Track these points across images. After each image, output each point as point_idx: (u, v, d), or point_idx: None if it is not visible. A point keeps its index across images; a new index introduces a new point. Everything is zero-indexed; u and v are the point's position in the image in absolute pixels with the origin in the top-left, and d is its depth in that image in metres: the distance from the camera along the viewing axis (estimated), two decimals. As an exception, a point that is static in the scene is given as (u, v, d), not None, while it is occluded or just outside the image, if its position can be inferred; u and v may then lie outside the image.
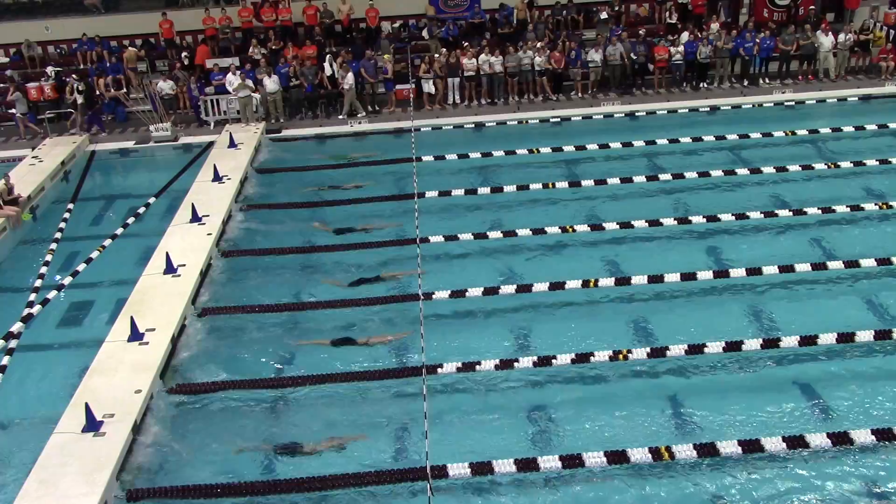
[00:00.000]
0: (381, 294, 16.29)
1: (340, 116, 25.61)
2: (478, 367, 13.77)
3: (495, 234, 18.19)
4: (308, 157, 23.68)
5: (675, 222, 18.31)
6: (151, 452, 12.45)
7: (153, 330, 14.62)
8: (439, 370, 13.69)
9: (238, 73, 25.19)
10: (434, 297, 15.76)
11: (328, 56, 26.49)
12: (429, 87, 25.86)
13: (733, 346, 13.91)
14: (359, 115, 25.59)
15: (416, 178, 19.47)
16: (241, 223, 19.71)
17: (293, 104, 26.28)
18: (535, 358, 13.93)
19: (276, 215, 20.05)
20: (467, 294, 15.91)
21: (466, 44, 26.84)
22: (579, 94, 26.35)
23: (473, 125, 25.01)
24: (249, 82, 25.17)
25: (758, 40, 26.42)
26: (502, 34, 28.02)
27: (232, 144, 23.34)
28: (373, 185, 21.21)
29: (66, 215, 20.61)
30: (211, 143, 24.01)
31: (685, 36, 26.60)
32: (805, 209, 18.52)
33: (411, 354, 14.47)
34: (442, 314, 15.65)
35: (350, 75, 25.40)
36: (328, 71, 25.98)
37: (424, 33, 28.76)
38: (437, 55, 26.44)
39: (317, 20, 28.76)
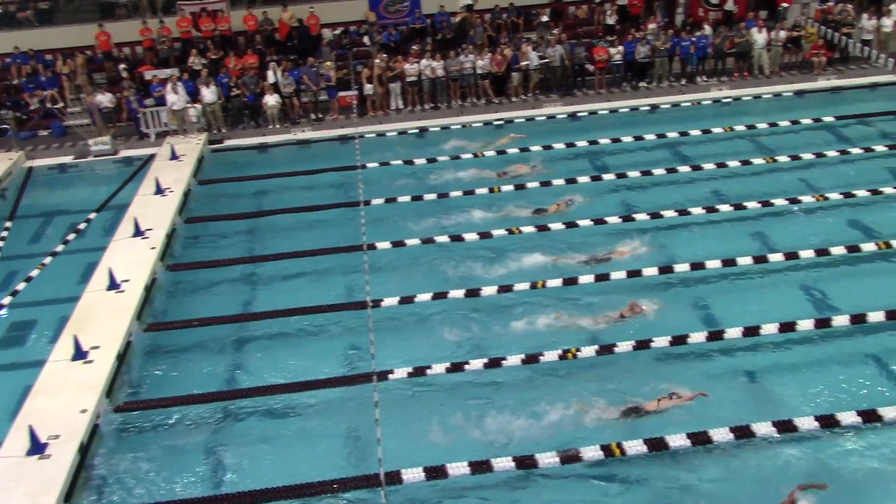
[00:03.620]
0: (328, 302, 16.22)
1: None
2: (428, 371, 13.80)
3: (442, 239, 18.22)
4: (252, 167, 23.47)
5: (620, 220, 18.53)
6: (100, 473, 12.22)
7: (98, 348, 14.36)
8: (390, 376, 13.69)
9: (178, 83, 24.85)
10: (383, 303, 15.75)
11: (272, 64, 26.32)
12: (369, 88, 25.79)
13: (679, 341, 14.16)
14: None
15: (361, 185, 19.45)
16: (185, 236, 19.47)
17: (235, 114, 26.03)
18: (486, 360, 14.00)
19: (220, 227, 19.84)
20: (416, 299, 15.92)
21: (415, 47, 26.87)
22: (520, 96, 26.55)
23: (417, 130, 25.03)
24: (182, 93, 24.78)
25: (694, 39, 26.86)
26: (443, 39, 28.08)
27: (174, 157, 23.04)
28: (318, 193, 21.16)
29: (4, 233, 20.16)
30: (152, 156, 23.65)
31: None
32: (745, 203, 18.88)
33: (361, 361, 14.44)
34: (391, 320, 15.64)
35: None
36: (271, 79, 25.80)
37: (366, 39, 28.71)
38: (377, 61, 26.41)
39: (257, 28, 28.55)
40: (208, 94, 25.18)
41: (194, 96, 25.37)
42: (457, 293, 16.07)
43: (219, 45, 28.09)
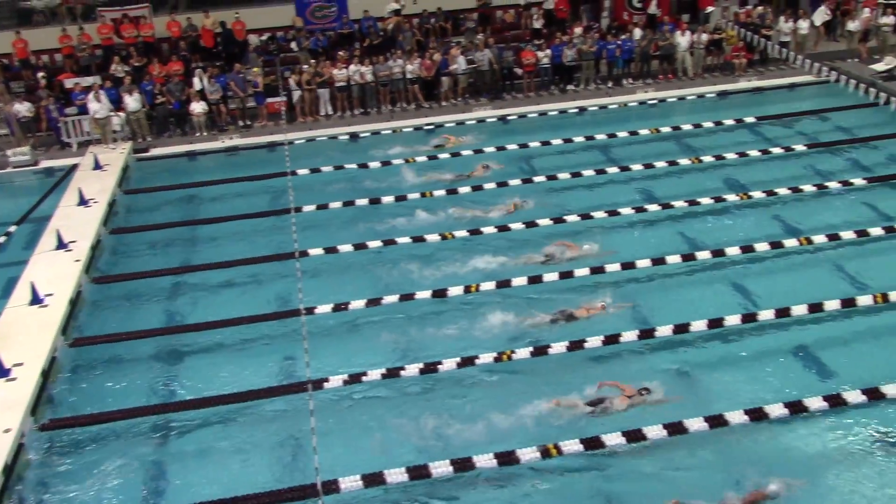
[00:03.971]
0: (262, 311, 16.01)
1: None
2: (364, 377, 13.72)
3: (375, 244, 18.13)
4: (179, 175, 23.04)
5: (551, 222, 18.69)
6: (26, 495, 11.84)
7: (21, 365, 13.93)
8: (325, 384, 13.57)
9: (100, 91, 24.25)
10: (316, 311, 15.61)
11: (198, 70, 25.89)
12: (297, 94, 25.55)
13: (612, 340, 14.36)
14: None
15: (292, 192, 19.27)
16: (111, 247, 19.01)
17: (160, 122, 25.54)
18: (422, 365, 13.98)
19: (148, 237, 19.42)
20: (350, 306, 15.82)
21: (341, 53, 26.73)
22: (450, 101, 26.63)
23: (348, 136, 24.88)
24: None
25: (619, 42, 27.29)
26: (371, 44, 27.98)
27: (97, 166, 22.48)
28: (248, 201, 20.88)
29: (-81, 249, 19.42)
30: (74, 166, 23.02)
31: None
32: (672, 203, 19.22)
33: (296, 369, 14.29)
34: (325, 327, 15.51)
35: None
36: (197, 86, 25.38)
37: (293, 45, 28.44)
38: (306, 66, 26.20)
39: (181, 35, 28.06)
40: (132, 101, 24.64)
41: (117, 104, 24.80)
42: (391, 298, 16.01)
43: (142, 51, 27.52)
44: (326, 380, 13.65)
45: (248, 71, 26.11)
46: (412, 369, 13.91)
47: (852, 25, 27.83)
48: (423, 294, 16.06)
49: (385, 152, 23.17)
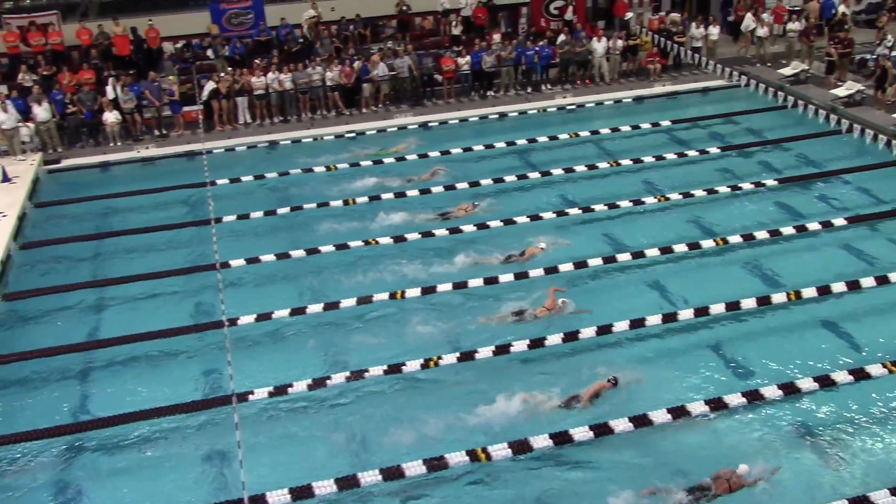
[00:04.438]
0: (183, 324, 15.66)
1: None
2: (290, 389, 13.54)
3: (298, 253, 17.92)
4: (93, 187, 22.39)
5: (475, 228, 18.76)
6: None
7: (-74, 387, 13.33)
8: (250, 397, 13.34)
9: (6, 101, 23.42)
10: (239, 322, 15.35)
11: (111, 79, 25.22)
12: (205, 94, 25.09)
13: (537, 343, 14.47)
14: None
15: (211, 202, 18.91)
16: (22, 262, 18.37)
17: (71, 132, 24.79)
18: (348, 373, 13.87)
19: (61, 251, 18.82)
20: (274, 316, 15.61)
21: (257, 61, 26.38)
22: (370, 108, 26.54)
23: (267, 144, 24.57)
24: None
25: (537, 49, 27.60)
26: (290, 51, 27.70)
27: (6, 179, 21.70)
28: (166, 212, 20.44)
29: None
30: (-19, 179, 22.21)
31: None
32: (593, 206, 19.51)
33: (221, 382, 14.02)
34: (249, 338, 15.26)
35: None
36: (110, 95, 24.74)
37: (209, 53, 27.96)
38: (223, 74, 25.79)
39: (92, 43, 27.32)
40: (41, 111, 23.86)
41: (26, 115, 23.98)
42: (315, 307, 15.84)
43: (50, 60, 26.67)
44: (251, 392, 13.42)
45: (162, 79, 25.57)
46: (338, 378, 13.78)
47: (761, 31, 28.69)
48: (348, 302, 15.94)
49: (306, 160, 22.93)
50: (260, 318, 15.54)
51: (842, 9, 29.91)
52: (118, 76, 25.55)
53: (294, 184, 21.81)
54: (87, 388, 14.36)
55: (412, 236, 18.43)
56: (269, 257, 17.76)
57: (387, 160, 22.73)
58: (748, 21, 28.72)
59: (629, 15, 30.88)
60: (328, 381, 13.74)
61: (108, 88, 24.87)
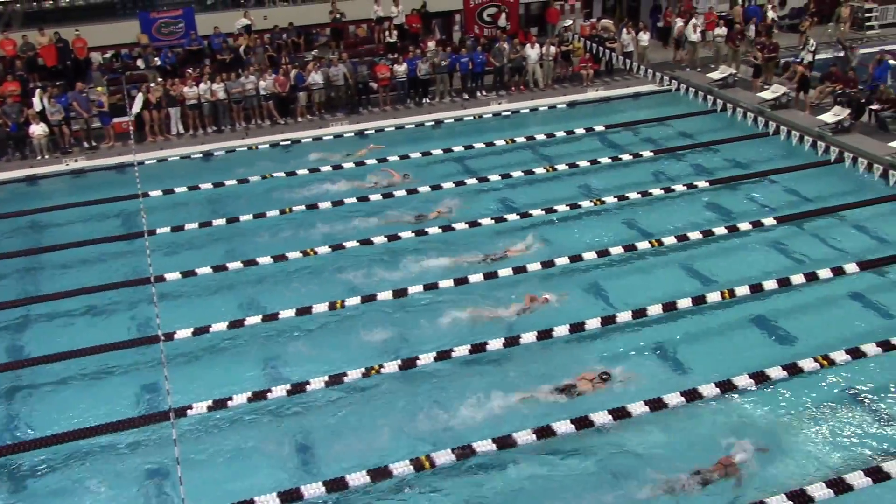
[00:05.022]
0: (117, 339, 15.32)
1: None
2: (230, 402, 13.35)
3: (235, 265, 17.69)
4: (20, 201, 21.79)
5: (413, 234, 18.75)
6: None
7: None
8: (189, 412, 13.11)
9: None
10: (176, 336, 15.08)
11: (37, 90, 24.60)
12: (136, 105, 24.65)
13: (478, 348, 14.52)
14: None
15: (144, 215, 18.57)
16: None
17: (-3, 145, 24.15)
18: (289, 386, 13.72)
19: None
20: (212, 329, 15.37)
21: (189, 70, 26.00)
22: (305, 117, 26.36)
23: (201, 154, 24.21)
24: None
25: (471, 55, 27.72)
26: (222, 60, 27.37)
27: (-73, 195, 21.04)
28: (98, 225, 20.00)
29: None
30: None
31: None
32: (530, 211, 19.65)
33: (158, 398, 13.75)
34: (186, 353, 15.01)
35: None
36: (37, 106, 24.12)
37: (140, 63, 27.46)
38: (153, 84, 25.35)
39: (16, 53, 26.61)
40: (-36, 125, 23.21)
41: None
42: (254, 319, 15.66)
43: (-27, 72, 25.96)
44: (190, 407, 13.19)
45: (91, 90, 25.03)
46: (279, 391, 13.63)
47: (693, 36, 29.29)
48: (287, 313, 15.78)
49: (241, 170, 22.64)
50: (197, 332, 15.29)
51: (770, 14, 30.74)
52: (45, 87, 24.95)
53: (229, 194, 21.52)
54: (16, 408, 13.95)
55: (350, 244, 18.32)
56: (205, 270, 17.48)
57: (323, 168, 22.57)
58: (688, 28, 29.19)
59: (568, 21, 31.25)
60: (269, 394, 13.57)
61: (35, 100, 24.25)
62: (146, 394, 14.10)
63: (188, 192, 21.62)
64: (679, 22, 29.68)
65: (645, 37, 29.42)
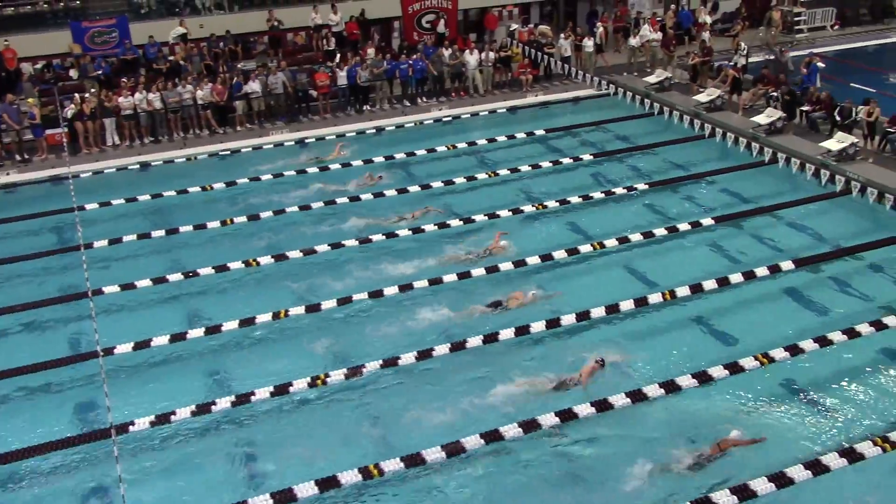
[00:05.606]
0: (59, 355, 14.96)
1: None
2: (173, 416, 13.13)
3: (176, 277, 17.41)
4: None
5: (357, 243, 18.66)
6: None
7: None
8: (131, 427, 12.86)
9: None
10: (116, 351, 14.78)
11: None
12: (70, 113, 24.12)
13: (424, 355, 14.50)
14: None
15: (80, 228, 18.19)
16: None
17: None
18: (233, 398, 13.55)
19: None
20: (153, 343, 15.09)
21: (124, 80, 25.52)
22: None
23: (138, 165, 23.78)
24: None
25: (410, 62, 27.74)
26: (158, 69, 26.93)
27: None
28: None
29: None
30: None
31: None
32: (473, 217, 19.70)
33: (98, 415, 13.47)
34: (127, 367, 14.73)
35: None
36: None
37: (73, 73, 26.87)
38: (87, 95, 24.84)
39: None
40: None
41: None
42: (196, 332, 15.43)
43: None
44: (132, 423, 12.94)
45: (22, 101, 24.41)
46: (224, 403, 13.44)
47: (633, 41, 29.72)
48: (230, 325, 15.58)
49: (180, 180, 22.29)
50: (138, 346, 15.01)
51: (706, 19, 31.33)
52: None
53: (168, 205, 21.18)
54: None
55: (294, 254, 18.16)
56: (145, 282, 17.16)
57: (264, 178, 22.34)
58: (644, 31, 29.66)
59: (515, 26, 31.43)
60: (213, 407, 13.38)
61: (-37, 112, 23.62)
62: (86, 411, 13.82)
63: (126, 203, 21.20)
64: (601, 27, 30.16)
65: (589, 43, 29.72)
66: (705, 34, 29.38)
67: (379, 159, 23.45)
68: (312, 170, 22.85)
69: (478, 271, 17.27)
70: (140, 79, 25.86)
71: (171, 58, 27.37)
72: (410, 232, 19.06)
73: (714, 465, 12.15)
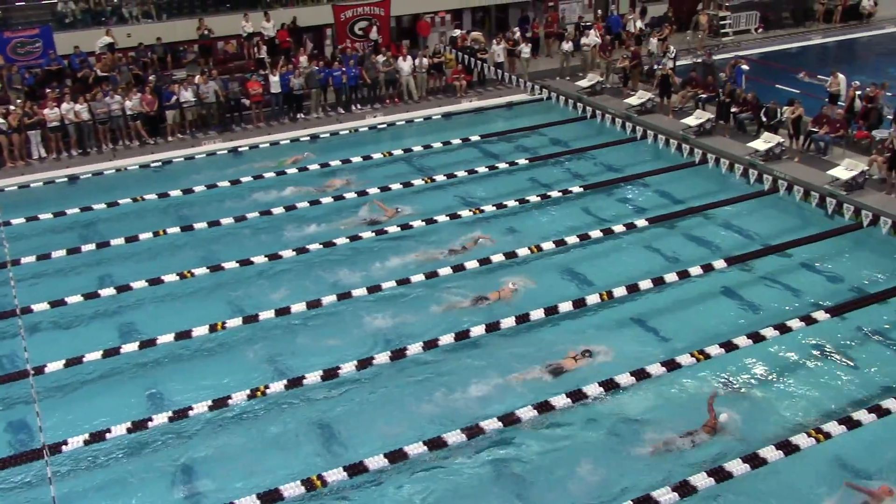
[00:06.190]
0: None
1: None
2: (108, 434, 12.83)
3: (108, 292, 17.02)
4: None
5: (294, 253, 18.47)
6: None
7: None
8: (64, 447, 12.52)
9: None
10: (47, 369, 14.38)
11: None
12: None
13: (364, 363, 14.41)
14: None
15: (6, 244, 17.71)
16: None
17: None
18: (171, 413, 13.29)
19: None
20: (85, 359, 14.72)
21: (49, 90, 24.88)
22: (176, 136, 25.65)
23: (66, 179, 23.18)
24: None
25: (344, 69, 27.61)
26: (84, 80, 26.32)
27: None
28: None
29: None
30: None
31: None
32: (410, 223, 19.68)
33: (30, 435, 13.08)
34: (58, 386, 14.34)
35: None
36: None
37: (-3, 85, 26.12)
38: (12, 107, 24.16)
39: None
40: None
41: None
42: (130, 347, 15.10)
43: None
44: (65, 442, 12.59)
45: (-60, 114, 23.67)
46: (160, 419, 13.17)
47: (565, 46, 30.05)
48: (166, 338, 15.28)
49: (111, 193, 21.77)
50: (70, 364, 14.62)
51: (639, 24, 31.85)
52: None
53: (99, 219, 20.70)
54: None
55: (230, 265, 17.90)
56: (76, 298, 16.72)
57: (197, 188, 21.99)
58: (593, 37, 29.98)
59: (457, 32, 31.52)
60: (150, 423, 13.10)
61: None
62: (17, 432, 13.44)
63: (54, 218, 20.64)
64: (517, 34, 30.57)
65: (527, 49, 29.97)
66: (653, 40, 29.82)
67: (314, 167, 23.28)
68: (246, 179, 22.55)
69: (417, 278, 17.24)
70: (65, 90, 25.26)
71: (97, 67, 26.77)
72: (348, 240, 18.93)
73: (661, 460, 12.35)
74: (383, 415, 13.47)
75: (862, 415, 12.90)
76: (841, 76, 24.80)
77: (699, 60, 29.60)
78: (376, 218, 20.09)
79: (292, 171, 23.09)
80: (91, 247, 19.05)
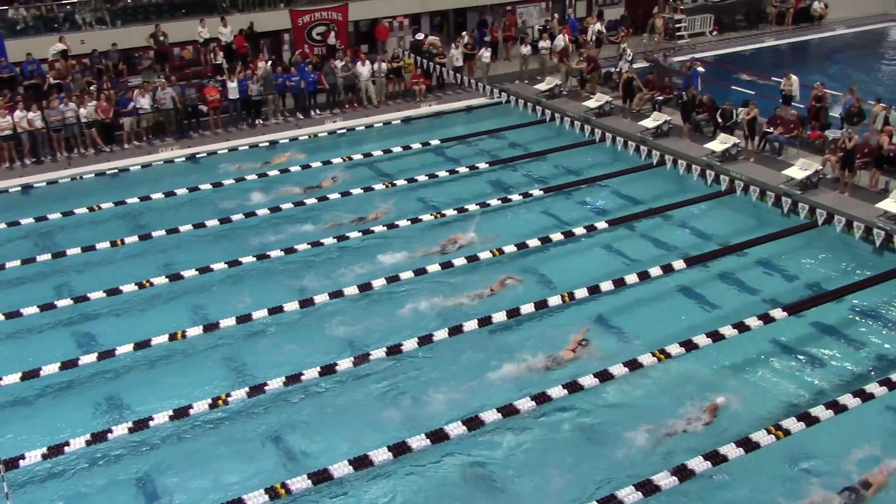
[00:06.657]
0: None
1: None
2: (67, 447, 12.62)
3: (65, 303, 16.74)
4: None
5: (255, 259, 18.35)
6: None
7: None
8: (21, 462, 12.30)
9: None
10: (2, 382, 14.13)
11: None
12: None
13: (327, 370, 14.39)
14: None
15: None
16: None
17: None
18: (131, 424, 13.13)
19: None
20: (42, 372, 14.48)
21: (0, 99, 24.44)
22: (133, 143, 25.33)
23: (20, 188, 22.78)
24: None
25: (300, 77, 27.44)
26: (36, 87, 25.87)
27: None
28: None
29: None
30: None
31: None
32: (372, 228, 19.63)
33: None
34: (14, 399, 14.10)
35: None
36: None
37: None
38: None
39: None
40: None
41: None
42: (89, 358, 14.89)
43: None
44: (22, 457, 12.37)
45: None
46: (120, 430, 13.00)
47: (524, 50, 30.20)
48: (125, 348, 15.08)
49: (66, 202, 21.45)
50: (26, 377, 14.36)
51: (598, 27, 32.08)
52: None
53: (54, 228, 20.37)
54: None
55: (189, 273, 17.70)
56: (31, 309, 16.42)
57: (154, 196, 21.70)
58: (560, 40, 30.07)
59: (420, 35, 31.45)
60: (109, 434, 12.92)
61: None
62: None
63: (7, 228, 20.27)
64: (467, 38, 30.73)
65: (487, 53, 30.06)
66: (624, 45, 30.02)
67: (273, 173, 23.13)
68: (205, 186, 22.34)
69: (378, 282, 17.21)
70: (17, 97, 24.82)
71: (50, 74, 26.34)
72: (309, 246, 18.84)
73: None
74: (344, 424, 13.43)
75: (819, 411, 13.13)
76: (794, 77, 25.25)
77: (652, 62, 29.90)
78: (338, 222, 20.02)
79: (252, 177, 22.91)
80: (47, 257, 18.75)
